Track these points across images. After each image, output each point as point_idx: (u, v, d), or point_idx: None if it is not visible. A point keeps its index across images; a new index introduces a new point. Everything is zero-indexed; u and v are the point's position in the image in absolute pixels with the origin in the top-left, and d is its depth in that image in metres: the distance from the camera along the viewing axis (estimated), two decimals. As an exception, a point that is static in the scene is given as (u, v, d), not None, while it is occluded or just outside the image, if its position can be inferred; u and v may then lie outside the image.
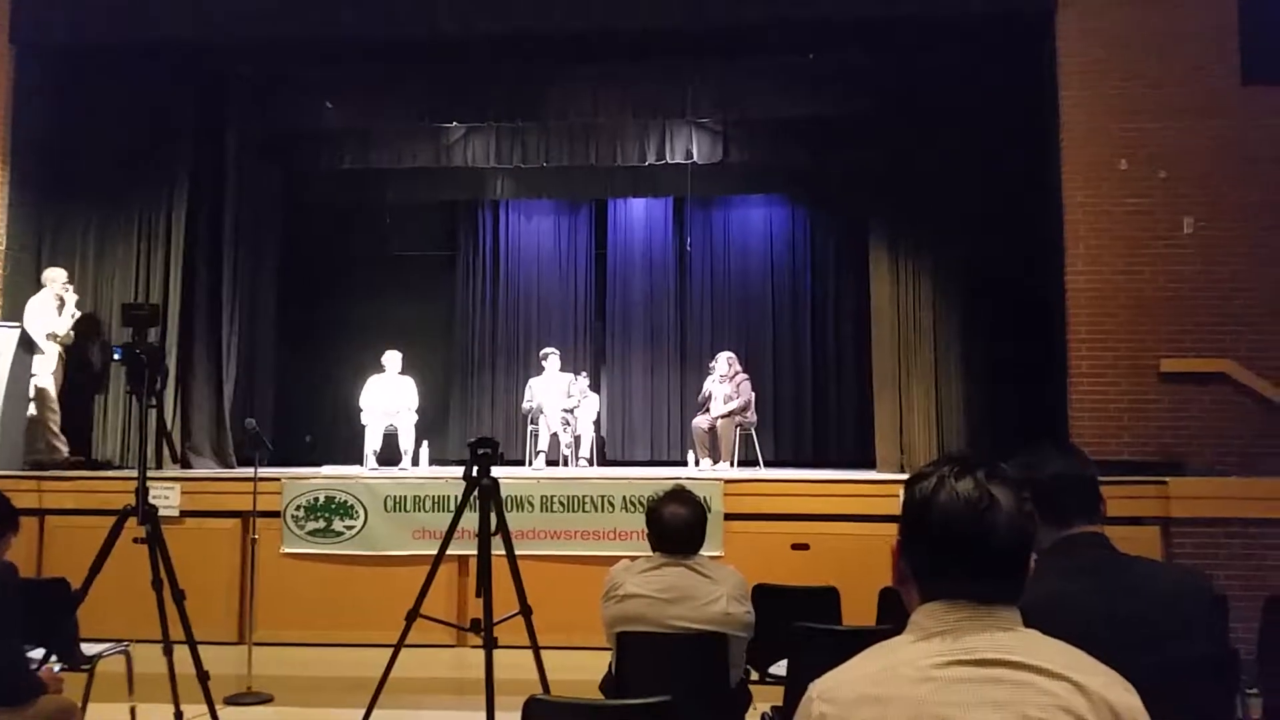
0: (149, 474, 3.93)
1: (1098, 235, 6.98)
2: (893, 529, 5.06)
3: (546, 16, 7.67)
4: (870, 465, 8.34)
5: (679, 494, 3.36)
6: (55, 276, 7.76)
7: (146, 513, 3.69)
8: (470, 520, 3.84)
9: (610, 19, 7.67)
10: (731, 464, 8.66)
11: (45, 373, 7.46)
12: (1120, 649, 1.46)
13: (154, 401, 3.66)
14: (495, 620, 3.45)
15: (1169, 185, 6.90)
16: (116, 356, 3.66)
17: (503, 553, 3.75)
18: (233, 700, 5.24)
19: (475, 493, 3.57)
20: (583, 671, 4.09)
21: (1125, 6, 7.10)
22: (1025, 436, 6.93)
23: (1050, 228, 7.19)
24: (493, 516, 3.57)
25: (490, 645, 3.36)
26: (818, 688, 1.39)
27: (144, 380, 3.54)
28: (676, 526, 3.25)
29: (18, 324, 7.27)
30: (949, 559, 1.39)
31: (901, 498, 1.49)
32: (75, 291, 7.87)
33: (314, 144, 9.72)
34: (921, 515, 1.42)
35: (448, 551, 6.14)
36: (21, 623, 3.08)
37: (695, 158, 9.64)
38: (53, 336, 7.52)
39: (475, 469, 3.51)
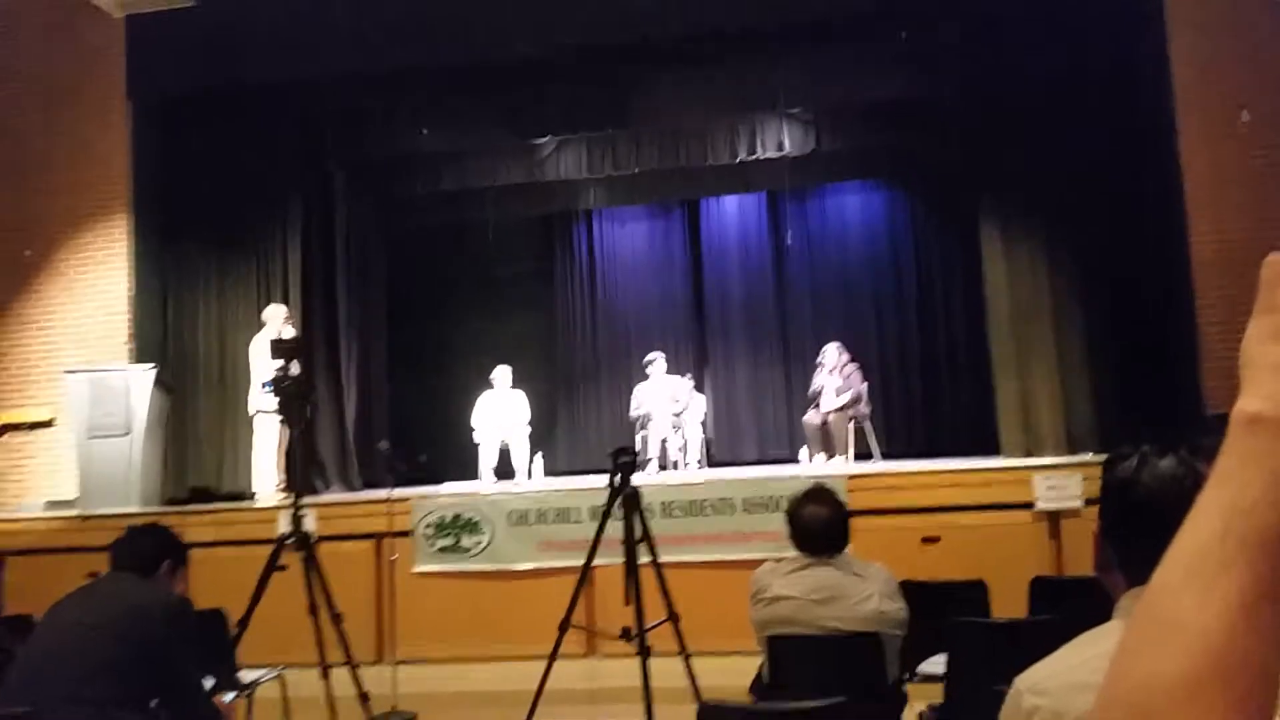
0: (285, 501, 4.08)
1: (1221, 196, 6.67)
2: (1024, 517, 4.91)
3: (628, 28, 7.72)
4: (991, 452, 8.12)
5: (817, 493, 3.32)
6: (276, 314, 7.83)
7: (302, 538, 3.81)
8: (589, 530, 3.86)
9: (689, 25, 7.67)
10: (847, 458, 8.53)
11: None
12: None
13: (304, 429, 3.78)
14: (646, 628, 3.44)
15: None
16: (266, 389, 3.80)
17: (644, 560, 3.75)
18: (381, 719, 5.37)
19: (618, 501, 3.58)
20: (724, 676, 4.07)
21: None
22: (1160, 416, 6.68)
23: (1171, 193, 6.89)
24: (637, 524, 3.57)
25: (645, 652, 3.36)
26: (1026, 681, 1.35)
27: (294, 409, 3.67)
28: (818, 526, 3.21)
29: (154, 365, 7.61)
30: (1154, 540, 1.33)
31: (1101, 481, 1.44)
32: (277, 329, 7.75)
33: (411, 170, 9.96)
34: (1124, 496, 1.37)
35: (566, 564, 6.31)
36: (198, 654, 3.20)
37: (787, 150, 9.53)
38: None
39: (618, 477, 3.53)
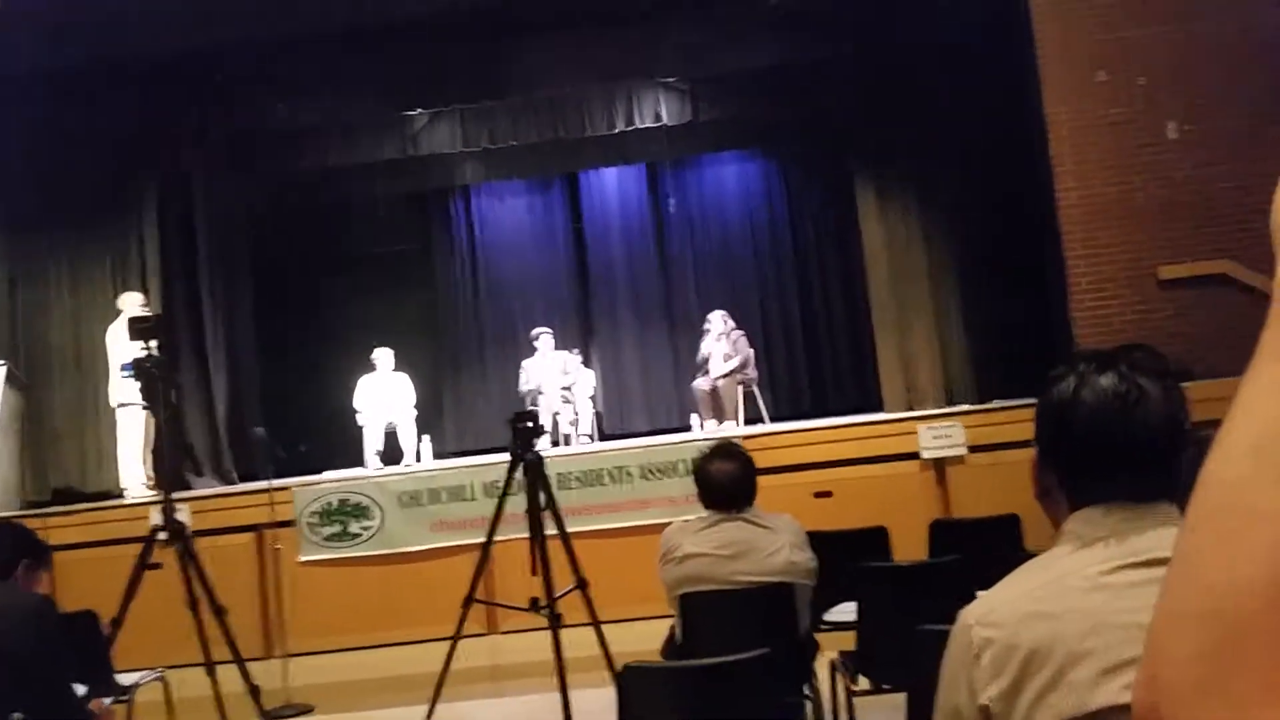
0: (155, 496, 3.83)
1: (1084, 150, 6.93)
2: (912, 467, 5.03)
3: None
4: (875, 409, 8.32)
5: (724, 449, 3.30)
6: (132, 301, 7.30)
7: (176, 531, 3.57)
8: (484, 508, 3.77)
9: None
10: (737, 422, 8.60)
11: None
12: None
13: (170, 414, 3.53)
14: (555, 596, 3.35)
15: (1150, 92, 6.86)
16: (126, 373, 3.53)
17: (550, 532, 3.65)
18: (274, 714, 5.13)
19: (520, 469, 3.47)
20: (632, 642, 4.02)
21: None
22: (1034, 367, 6.94)
23: (1036, 150, 7.14)
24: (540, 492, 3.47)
25: (555, 620, 3.27)
26: (974, 614, 1.31)
27: (157, 392, 3.41)
28: (726, 482, 3.19)
29: (3, 361, 7.07)
30: (1100, 460, 1.31)
31: (1039, 404, 1.41)
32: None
33: (277, 147, 9.49)
34: (1064, 418, 1.34)
35: (461, 542, 6.18)
36: (65, 657, 2.96)
37: (665, 120, 9.47)
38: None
39: (519, 444, 3.41)
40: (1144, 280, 6.82)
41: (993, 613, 1.29)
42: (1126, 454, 1.29)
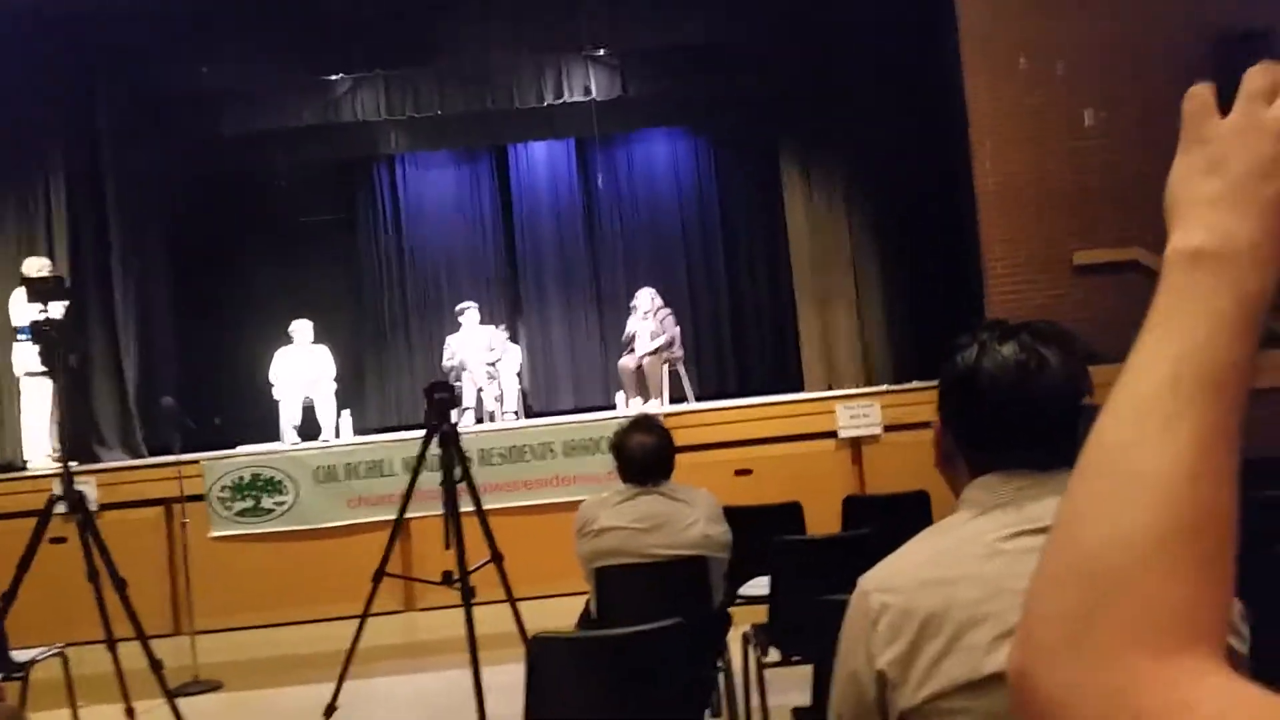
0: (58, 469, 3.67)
1: (1002, 135, 7.06)
2: (829, 445, 5.08)
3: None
4: (796, 388, 8.42)
5: (643, 423, 3.29)
6: (36, 267, 6.76)
7: (75, 501, 3.43)
8: (404, 484, 3.71)
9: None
10: (662, 401, 8.60)
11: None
12: None
13: (68, 380, 3.39)
14: (470, 569, 3.31)
15: (1068, 80, 7.00)
16: (23, 336, 3.38)
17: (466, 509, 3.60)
18: (180, 691, 4.98)
19: (435, 441, 3.41)
20: (549, 618, 4.00)
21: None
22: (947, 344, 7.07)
23: (957, 133, 7.25)
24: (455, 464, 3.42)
25: (468, 597, 3.24)
26: (871, 580, 1.31)
27: (57, 356, 3.27)
28: (644, 455, 3.18)
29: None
30: (1000, 428, 1.32)
31: (941, 372, 1.42)
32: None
33: (195, 110, 9.14)
34: (966, 386, 1.35)
35: (380, 518, 6.07)
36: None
37: (594, 94, 9.39)
38: None
39: (434, 415, 3.35)
40: (1059, 265, 6.99)
41: (890, 579, 1.29)
42: (1027, 422, 1.30)
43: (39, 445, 7.02)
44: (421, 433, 3.63)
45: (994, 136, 7.04)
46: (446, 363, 9.19)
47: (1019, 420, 1.31)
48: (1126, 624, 0.47)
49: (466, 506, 3.71)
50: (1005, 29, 7.08)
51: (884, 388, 7.25)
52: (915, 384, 6.94)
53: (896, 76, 7.68)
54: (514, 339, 10.17)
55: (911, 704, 1.22)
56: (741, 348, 10.81)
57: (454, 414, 3.47)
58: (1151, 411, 0.50)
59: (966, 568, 1.25)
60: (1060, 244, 7.01)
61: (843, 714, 1.31)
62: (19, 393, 7.11)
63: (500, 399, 9.02)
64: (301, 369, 8.41)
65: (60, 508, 3.72)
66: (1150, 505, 0.48)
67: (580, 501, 3.39)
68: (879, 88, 7.76)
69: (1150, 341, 0.53)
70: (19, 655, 4.12)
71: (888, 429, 6.32)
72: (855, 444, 6.37)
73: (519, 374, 9.63)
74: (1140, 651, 0.46)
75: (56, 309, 3.50)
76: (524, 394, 9.86)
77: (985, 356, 1.34)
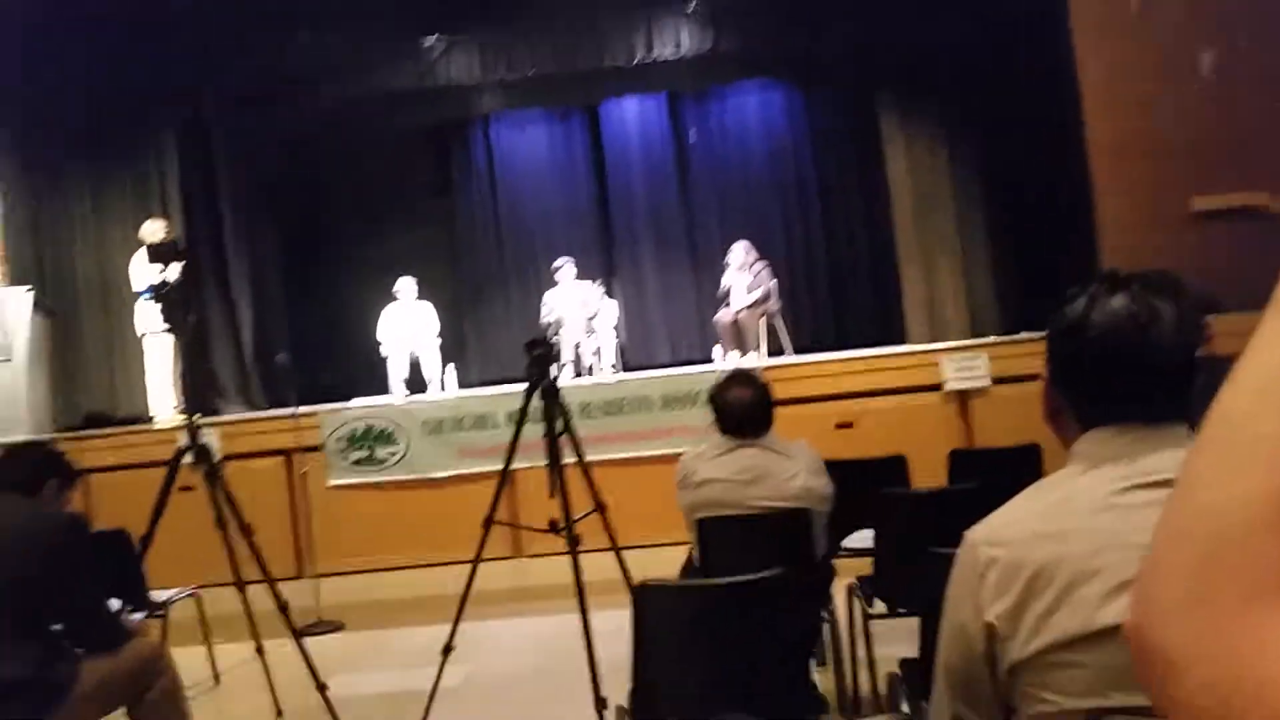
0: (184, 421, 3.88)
1: (1114, 81, 6.77)
2: (934, 398, 5.01)
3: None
4: (898, 341, 8.29)
5: (740, 376, 3.31)
6: (154, 230, 7.06)
7: (201, 452, 3.64)
8: (508, 435, 3.81)
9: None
10: (760, 355, 8.59)
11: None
12: None
13: (191, 337, 3.58)
14: (574, 519, 3.41)
15: (1183, 23, 6.66)
16: (146, 296, 3.57)
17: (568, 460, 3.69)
18: (305, 631, 5.25)
19: (536, 395, 3.50)
20: (651, 568, 4.08)
21: None
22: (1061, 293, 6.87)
23: (1064, 80, 6.97)
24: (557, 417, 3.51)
25: (574, 542, 3.34)
26: (979, 534, 1.32)
27: (178, 315, 3.45)
28: (743, 408, 3.21)
29: (29, 287, 7.16)
30: (1110, 381, 1.31)
31: (1050, 325, 1.41)
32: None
33: (293, 77, 9.36)
34: (1076, 338, 1.34)
35: (486, 469, 6.25)
36: (96, 572, 3.05)
37: (685, 49, 9.31)
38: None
39: (535, 370, 3.44)
40: (1173, 215, 6.70)
41: (999, 531, 1.30)
42: (1138, 375, 1.29)
43: (164, 400, 7.42)
44: (523, 386, 3.72)
45: (1105, 82, 6.75)
46: (544, 319, 9.32)
47: (1129, 373, 1.29)
48: (1244, 582, 0.48)
49: (569, 458, 3.81)
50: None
51: (991, 339, 7.09)
52: (1024, 335, 6.78)
53: (999, 19, 7.41)
54: (610, 294, 10.24)
55: (1021, 656, 1.23)
56: (840, 300, 10.67)
57: (553, 368, 3.54)
58: (1272, 389, 0.51)
59: (1078, 521, 1.25)
60: (1176, 190, 6.71)
61: (951, 666, 1.33)
62: (143, 351, 7.52)
63: (598, 354, 9.13)
64: (407, 325, 8.66)
65: (187, 458, 3.94)
66: (1269, 469, 0.49)
67: (679, 454, 3.45)
68: (981, 31, 7.50)
69: (1266, 324, 0.53)
70: (157, 595, 4.42)
71: (996, 381, 6.19)
72: (962, 397, 6.26)
73: (616, 328, 9.72)
74: (1257, 608, 0.47)
75: (174, 270, 3.69)
76: (621, 349, 9.95)
77: (1095, 309, 1.32)
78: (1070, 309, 1.36)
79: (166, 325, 3.59)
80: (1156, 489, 1.23)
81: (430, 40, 9.18)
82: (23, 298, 6.98)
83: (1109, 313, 1.31)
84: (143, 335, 7.37)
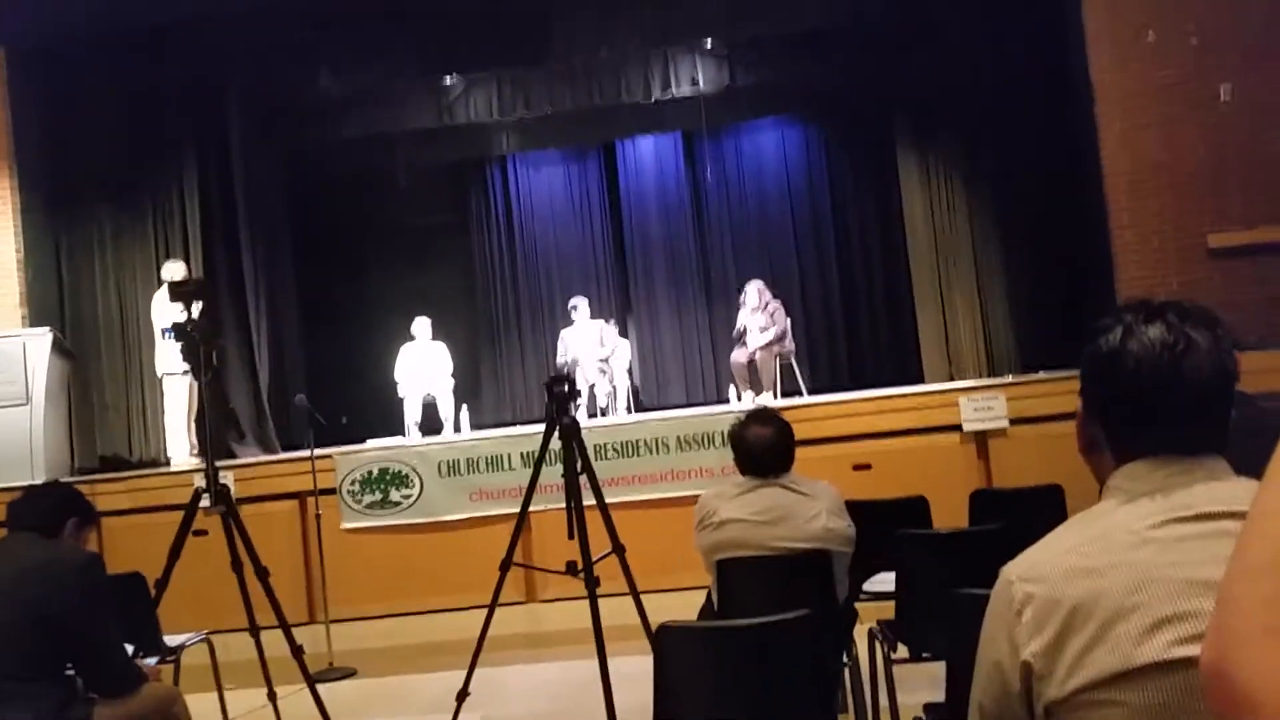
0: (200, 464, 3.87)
1: (1131, 114, 6.78)
2: (952, 439, 4.93)
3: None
4: (914, 381, 8.24)
5: (760, 415, 3.28)
6: (175, 271, 7.23)
7: (219, 494, 3.62)
8: (522, 478, 3.77)
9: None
10: (775, 395, 8.55)
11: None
12: None
13: (213, 379, 3.58)
14: (593, 560, 3.36)
15: (1201, 52, 6.67)
16: (168, 335, 3.57)
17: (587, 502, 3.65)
18: (317, 677, 5.21)
19: (555, 434, 3.47)
20: (669, 612, 4.02)
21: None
22: (1077, 336, 6.83)
23: (1082, 113, 6.99)
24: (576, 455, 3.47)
25: (593, 586, 3.29)
26: (1016, 570, 1.28)
27: (199, 355, 3.45)
28: (763, 447, 3.17)
29: (48, 329, 7.20)
30: (1146, 412, 1.28)
31: (1084, 356, 1.37)
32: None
33: (313, 115, 9.52)
34: (1111, 368, 1.30)
35: (500, 511, 6.22)
36: (117, 613, 3.03)
37: (701, 86, 9.39)
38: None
39: (555, 408, 3.41)
40: (1192, 249, 6.68)
41: (1035, 568, 1.26)
42: (1174, 406, 1.26)
43: (180, 442, 7.42)
44: (537, 427, 3.70)
45: (1122, 116, 6.76)
46: (560, 358, 9.32)
47: (1166, 404, 1.26)
48: None
49: (587, 500, 3.76)
50: (1128, 2, 6.79)
51: (1009, 379, 7.03)
52: (1042, 375, 6.71)
53: (1016, 55, 7.44)
54: (624, 334, 10.24)
55: (1059, 696, 1.19)
56: (855, 340, 10.64)
57: (572, 406, 3.52)
58: None
59: (1115, 556, 1.21)
60: (1194, 226, 6.69)
61: (985, 705, 1.29)
62: (162, 393, 7.54)
63: (612, 394, 9.10)
64: (422, 366, 8.67)
65: (204, 501, 3.92)
66: None
67: (694, 496, 3.40)
68: (998, 68, 7.53)
69: None
70: (170, 640, 4.37)
71: (1014, 421, 6.13)
72: (980, 438, 6.19)
73: (630, 370, 9.70)
74: None
75: (196, 309, 3.69)
76: (634, 389, 9.92)
77: (1130, 338, 1.29)
78: (1104, 339, 1.32)
79: (187, 366, 3.58)
80: (1195, 523, 1.19)
81: (450, 79, 9.29)
82: (41, 340, 7.02)
83: (1144, 342, 1.28)
84: (162, 377, 7.39)
